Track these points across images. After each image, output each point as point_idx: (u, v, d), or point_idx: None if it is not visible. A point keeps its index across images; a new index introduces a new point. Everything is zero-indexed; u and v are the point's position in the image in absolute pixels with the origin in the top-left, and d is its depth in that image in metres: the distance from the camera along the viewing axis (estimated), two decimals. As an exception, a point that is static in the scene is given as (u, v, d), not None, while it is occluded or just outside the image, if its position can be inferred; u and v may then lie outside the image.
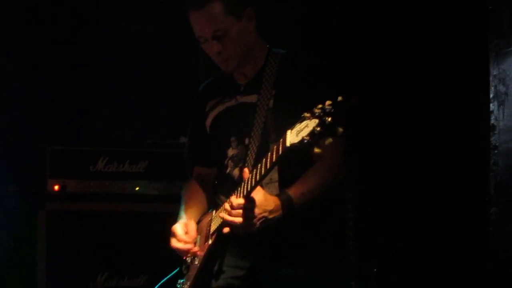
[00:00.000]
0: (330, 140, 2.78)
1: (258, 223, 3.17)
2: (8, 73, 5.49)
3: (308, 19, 5.22)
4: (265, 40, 3.53)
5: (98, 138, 5.60)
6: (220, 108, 3.56)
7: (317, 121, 2.78)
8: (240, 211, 3.15)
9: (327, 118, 2.76)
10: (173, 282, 3.61)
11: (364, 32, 5.08)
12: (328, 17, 5.15)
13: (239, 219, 3.16)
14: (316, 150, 2.82)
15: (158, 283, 3.69)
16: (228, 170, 3.50)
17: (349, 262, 4.79)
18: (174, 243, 3.47)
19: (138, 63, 5.75)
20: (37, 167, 5.21)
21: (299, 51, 3.59)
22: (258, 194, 3.14)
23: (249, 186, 3.14)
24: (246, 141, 3.42)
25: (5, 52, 5.51)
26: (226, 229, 3.24)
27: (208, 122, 3.60)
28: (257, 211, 3.14)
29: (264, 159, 3.06)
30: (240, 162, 3.44)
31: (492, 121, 4.50)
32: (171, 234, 3.50)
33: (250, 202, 3.12)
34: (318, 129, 2.77)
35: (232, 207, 3.16)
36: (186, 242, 3.45)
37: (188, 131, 3.79)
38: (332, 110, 2.77)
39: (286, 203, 3.22)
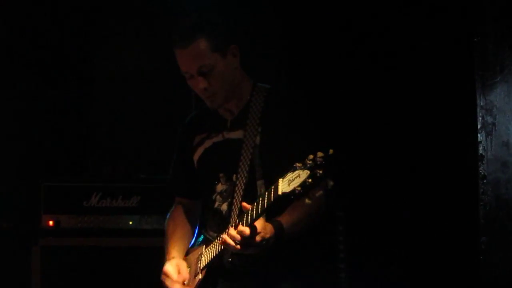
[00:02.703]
0: (320, 192, 2.86)
1: (255, 249, 3.19)
2: (1, 108, 5.51)
3: (290, 53, 5.28)
4: (250, 75, 3.58)
5: (91, 174, 5.62)
6: (208, 143, 3.60)
7: (308, 172, 2.83)
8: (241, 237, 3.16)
9: (318, 170, 2.81)
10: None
11: (349, 66, 5.13)
12: (310, 51, 5.21)
13: (240, 246, 3.17)
14: (307, 201, 2.90)
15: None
16: (216, 205, 3.53)
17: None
18: (170, 284, 3.49)
19: (131, 98, 5.77)
20: (31, 203, 5.22)
21: (284, 87, 3.63)
22: (260, 221, 3.16)
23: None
24: (234, 177, 3.45)
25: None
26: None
27: (196, 156, 3.63)
28: (257, 238, 3.16)
29: (255, 203, 3.10)
30: (229, 197, 3.47)
31: (481, 151, 4.55)
32: (163, 273, 3.53)
33: (252, 230, 3.13)
34: (310, 181, 2.82)
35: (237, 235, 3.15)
36: (181, 284, 3.48)
37: (172, 161, 3.82)
38: (323, 163, 2.82)
39: (278, 232, 3.24)
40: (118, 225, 5.16)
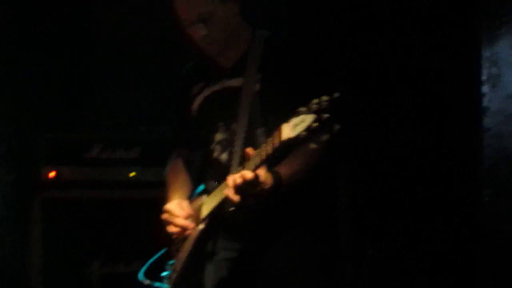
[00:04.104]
0: (327, 136, 2.77)
1: (253, 199, 3.13)
2: (0, 61, 5.50)
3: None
4: (249, 22, 3.52)
5: (91, 125, 5.61)
6: (206, 92, 3.55)
7: (314, 116, 2.76)
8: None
9: (324, 114, 2.75)
10: (161, 263, 3.62)
11: (352, 18, 5.08)
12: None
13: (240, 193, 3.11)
14: (312, 145, 2.82)
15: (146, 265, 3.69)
16: (215, 155, 3.50)
17: (343, 245, 4.81)
18: (172, 219, 3.46)
19: (131, 50, 5.75)
20: (31, 156, 5.22)
21: (284, 33, 3.58)
22: (262, 170, 3.11)
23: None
24: (233, 126, 3.42)
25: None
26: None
27: (195, 106, 3.59)
28: (258, 187, 3.11)
29: (258, 150, 3.05)
30: (228, 147, 3.44)
31: (485, 104, 4.52)
32: (165, 211, 3.50)
33: (255, 177, 3.08)
34: (315, 125, 2.75)
35: (242, 182, 3.08)
36: (184, 219, 3.45)
37: (172, 112, 3.79)
38: (329, 106, 2.75)
39: (276, 183, 3.19)
40: (119, 176, 5.17)
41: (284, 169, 3.24)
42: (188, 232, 3.45)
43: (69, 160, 5.16)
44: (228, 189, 3.14)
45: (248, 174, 3.05)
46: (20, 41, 5.55)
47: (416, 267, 4.89)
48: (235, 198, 3.11)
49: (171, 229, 3.49)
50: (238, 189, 3.09)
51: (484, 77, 4.54)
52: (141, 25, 5.69)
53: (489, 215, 4.53)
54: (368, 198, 5.02)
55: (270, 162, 3.11)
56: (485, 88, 4.54)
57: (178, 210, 3.47)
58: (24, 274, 5.16)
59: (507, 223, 4.49)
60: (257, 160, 3.04)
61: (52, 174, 5.14)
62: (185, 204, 3.51)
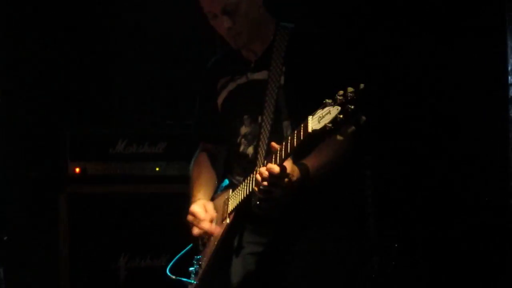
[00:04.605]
0: (353, 128, 2.74)
1: (280, 191, 3.10)
2: (27, 59, 5.52)
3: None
4: (273, 15, 3.50)
5: (117, 121, 5.62)
6: (231, 85, 3.54)
7: (339, 108, 2.73)
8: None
9: (349, 106, 2.71)
10: (188, 258, 3.61)
11: (378, 11, 5.06)
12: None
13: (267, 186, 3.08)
14: (339, 137, 2.78)
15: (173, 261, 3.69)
16: (241, 149, 3.48)
17: (370, 238, 4.80)
18: (197, 223, 3.45)
19: (157, 45, 5.76)
20: (58, 151, 5.25)
21: (309, 26, 3.55)
22: (288, 162, 3.09)
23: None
24: (259, 119, 3.39)
25: (24, 38, 5.54)
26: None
27: (220, 100, 3.58)
28: (285, 179, 3.08)
29: (284, 143, 3.02)
30: (254, 140, 3.42)
31: (511, 94, 4.48)
32: (190, 213, 3.49)
33: (282, 169, 3.05)
34: (341, 116, 2.72)
35: (268, 175, 3.05)
36: (209, 222, 3.44)
37: (196, 107, 3.77)
38: (354, 98, 2.72)
39: (304, 176, 3.17)
40: (144, 171, 5.19)
41: (311, 162, 3.21)
42: (216, 230, 3.44)
43: (94, 155, 5.20)
44: (254, 182, 3.13)
45: (274, 167, 3.02)
46: (45, 41, 5.58)
47: (441, 261, 4.87)
48: (262, 191, 3.10)
49: (195, 231, 3.48)
50: (264, 182, 3.07)
51: (509, 67, 4.50)
52: (167, 19, 5.69)
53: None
54: (395, 192, 5.00)
55: (297, 154, 3.09)
56: (511, 79, 4.51)
57: (202, 213, 3.46)
58: (52, 268, 5.19)
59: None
60: (283, 153, 3.01)
61: (77, 169, 5.17)
62: (209, 206, 3.50)
